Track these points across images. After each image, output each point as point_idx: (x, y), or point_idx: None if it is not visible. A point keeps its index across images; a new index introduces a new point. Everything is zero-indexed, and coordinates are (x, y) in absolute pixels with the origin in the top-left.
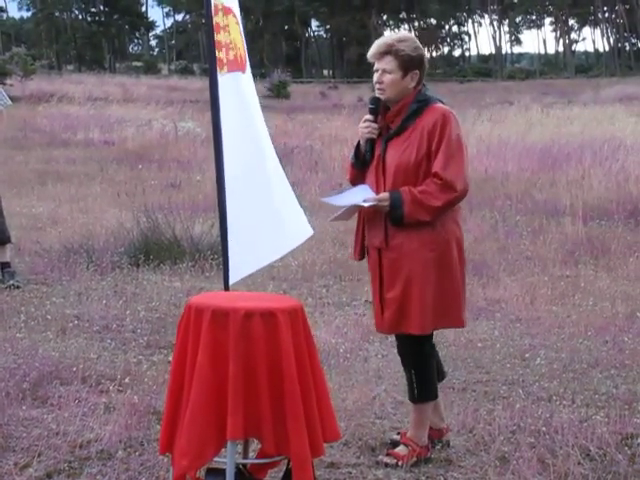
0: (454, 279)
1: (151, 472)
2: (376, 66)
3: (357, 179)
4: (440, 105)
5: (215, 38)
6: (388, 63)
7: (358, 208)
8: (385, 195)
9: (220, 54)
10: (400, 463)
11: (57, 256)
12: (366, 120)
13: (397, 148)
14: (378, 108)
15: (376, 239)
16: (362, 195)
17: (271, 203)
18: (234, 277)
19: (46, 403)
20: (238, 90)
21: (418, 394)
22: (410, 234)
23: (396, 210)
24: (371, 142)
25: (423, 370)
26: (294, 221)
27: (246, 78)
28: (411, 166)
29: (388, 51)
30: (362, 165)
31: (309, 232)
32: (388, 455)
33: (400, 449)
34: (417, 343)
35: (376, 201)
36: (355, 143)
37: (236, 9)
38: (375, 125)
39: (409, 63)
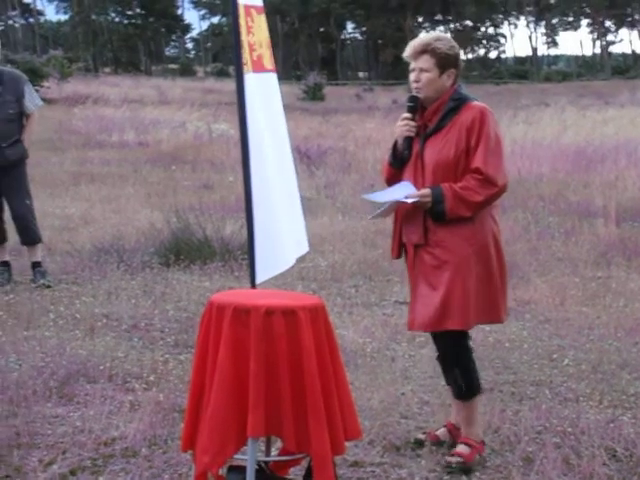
0: (492, 274)
1: (174, 469)
2: (412, 65)
3: (394, 178)
4: (477, 103)
5: (242, 38)
6: (425, 62)
7: (400, 205)
8: (427, 191)
9: (246, 55)
10: (468, 463)
11: (88, 256)
12: (404, 118)
13: (435, 145)
14: (417, 106)
15: (414, 235)
16: (404, 192)
17: (292, 207)
18: (261, 276)
19: (72, 401)
20: (262, 91)
21: (466, 390)
22: (451, 229)
23: (438, 205)
24: (409, 140)
25: (467, 366)
26: (301, 231)
27: (270, 79)
28: (450, 162)
29: (425, 50)
30: (400, 164)
31: (306, 248)
32: (453, 455)
33: (462, 448)
34: (459, 339)
35: (418, 197)
36: (392, 143)
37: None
38: (413, 123)
39: (446, 61)
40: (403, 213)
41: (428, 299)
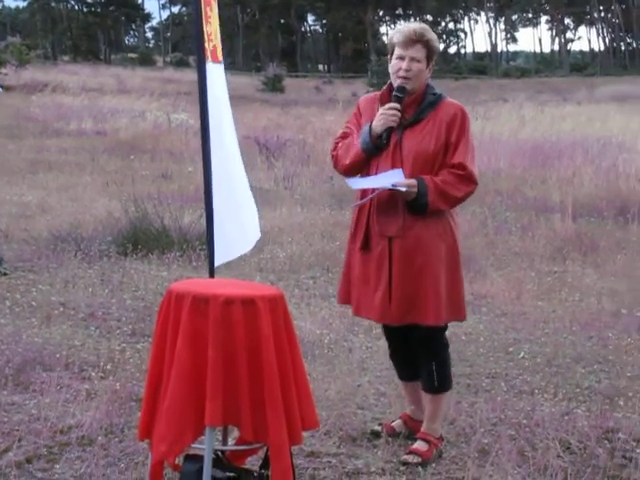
0: (459, 270)
1: (130, 458)
2: (402, 53)
3: (360, 164)
4: (452, 100)
5: (204, 28)
6: (418, 52)
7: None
8: (414, 181)
9: (206, 44)
10: (425, 460)
11: (45, 244)
12: (392, 108)
13: (415, 137)
14: (405, 97)
15: (392, 227)
16: (393, 179)
17: (245, 193)
18: (218, 260)
19: (28, 389)
20: (219, 81)
21: (438, 384)
22: (427, 224)
23: (422, 197)
24: (389, 130)
25: (443, 360)
26: (253, 219)
27: (219, 69)
28: (429, 155)
29: (419, 40)
30: (375, 151)
31: (258, 235)
32: (410, 453)
33: (420, 445)
34: (439, 333)
35: (407, 187)
36: (367, 129)
37: None
38: (399, 114)
39: (433, 54)
40: (376, 204)
41: (397, 293)
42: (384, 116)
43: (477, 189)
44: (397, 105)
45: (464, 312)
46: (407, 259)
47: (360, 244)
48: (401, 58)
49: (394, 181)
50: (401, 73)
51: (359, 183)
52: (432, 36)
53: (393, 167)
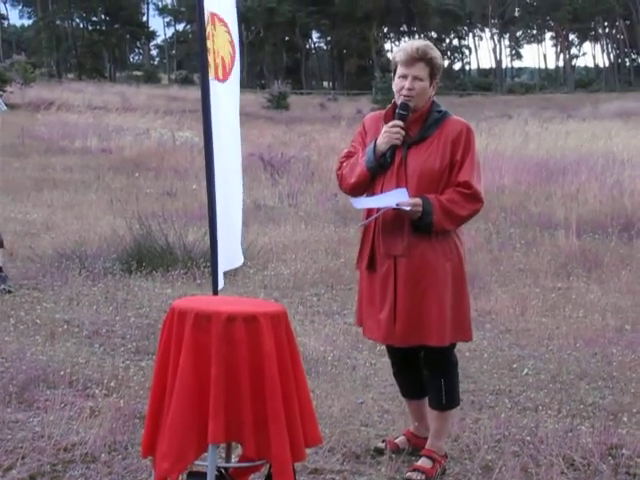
0: (465, 290)
1: (134, 475)
2: (404, 72)
3: (365, 184)
4: (458, 118)
5: (208, 46)
6: (421, 70)
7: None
8: (419, 200)
9: (210, 62)
10: (430, 478)
11: (50, 262)
12: (396, 126)
13: (420, 155)
14: (409, 115)
15: (396, 247)
16: (397, 199)
17: (239, 211)
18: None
19: (32, 406)
20: (224, 99)
21: (446, 402)
22: (432, 243)
23: (427, 217)
24: (393, 148)
25: (452, 378)
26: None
27: (225, 87)
28: (435, 174)
29: (422, 58)
30: (379, 170)
31: (241, 260)
32: (414, 470)
33: (424, 462)
34: (448, 352)
35: (411, 206)
36: (372, 147)
37: (226, 16)
38: (403, 132)
39: (437, 71)
40: (381, 223)
41: (401, 313)
42: (388, 134)
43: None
44: (400, 123)
45: (470, 333)
46: (412, 279)
47: (366, 264)
48: (404, 77)
49: (398, 200)
50: (404, 92)
51: (363, 203)
52: (435, 54)
53: (398, 186)
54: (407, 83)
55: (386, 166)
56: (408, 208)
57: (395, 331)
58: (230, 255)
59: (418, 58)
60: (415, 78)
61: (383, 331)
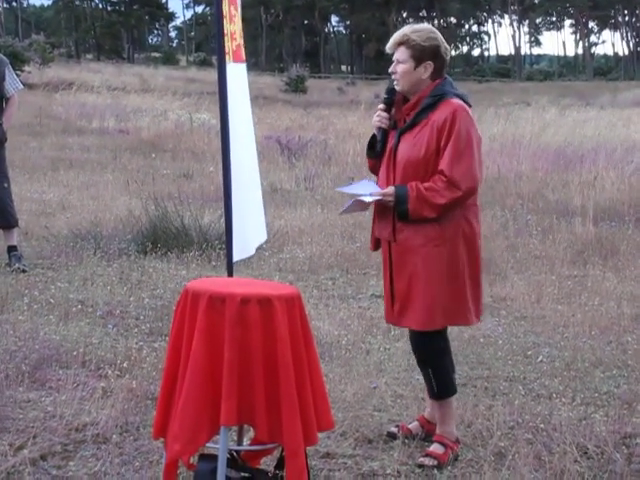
0: (460, 276)
1: (145, 457)
2: (393, 56)
3: (375, 168)
4: (455, 100)
5: (226, 27)
6: (402, 53)
7: (365, 201)
8: (390, 190)
9: (228, 44)
10: (441, 463)
11: (64, 241)
12: (378, 109)
13: (408, 142)
14: (392, 98)
15: (385, 232)
16: (368, 189)
17: (258, 195)
18: (235, 257)
19: (44, 386)
20: (240, 81)
21: (438, 391)
22: (416, 229)
23: (401, 206)
24: (383, 132)
25: (439, 367)
26: (262, 219)
27: (241, 69)
28: (420, 161)
29: (402, 42)
30: (375, 155)
31: (265, 236)
32: (426, 456)
33: (436, 447)
34: (429, 338)
35: (381, 196)
36: (372, 134)
37: None
38: (385, 115)
39: (421, 53)
40: (377, 209)
41: (396, 295)
42: (374, 118)
43: (498, 191)
44: (381, 106)
45: (469, 317)
46: (399, 263)
47: (372, 247)
48: (393, 62)
49: (370, 190)
50: (392, 77)
51: (342, 189)
52: (416, 36)
53: (387, 173)
54: (392, 66)
55: (379, 152)
56: (371, 199)
57: (393, 312)
58: (247, 237)
59: (398, 42)
60: (397, 61)
61: (386, 311)
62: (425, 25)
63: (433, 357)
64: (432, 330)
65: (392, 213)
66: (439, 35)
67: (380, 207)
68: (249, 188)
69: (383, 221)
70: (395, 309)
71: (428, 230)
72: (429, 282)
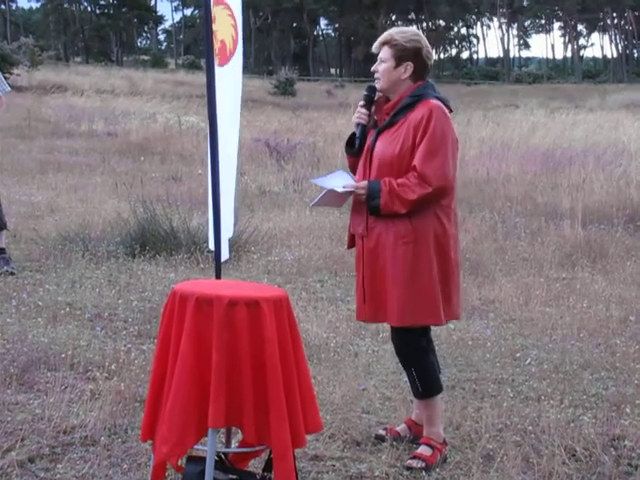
0: (428, 274)
1: (133, 459)
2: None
3: (353, 166)
4: (433, 100)
5: (214, 29)
6: (384, 53)
7: (337, 191)
8: (363, 184)
9: (215, 46)
10: (429, 465)
11: (53, 244)
12: (358, 106)
13: (385, 140)
14: (372, 96)
15: (359, 227)
16: (342, 181)
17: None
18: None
19: (32, 388)
20: (227, 83)
21: (422, 390)
22: (387, 225)
23: (372, 200)
24: (362, 129)
25: (422, 366)
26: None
27: (224, 72)
28: (394, 159)
29: (385, 42)
30: (354, 152)
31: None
32: (414, 458)
33: (423, 449)
34: (410, 338)
35: (353, 188)
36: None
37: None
38: (364, 111)
39: (402, 53)
40: (352, 204)
41: (369, 291)
42: (354, 115)
43: (487, 194)
44: (362, 103)
45: (438, 317)
46: (370, 258)
47: (348, 245)
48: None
49: (344, 183)
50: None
51: (317, 181)
52: (399, 37)
53: (364, 171)
54: (374, 65)
55: (358, 149)
56: (342, 190)
57: (365, 308)
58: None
59: (382, 42)
60: (380, 61)
61: (357, 309)
62: (411, 28)
63: (415, 356)
64: (412, 329)
65: (365, 208)
66: (423, 39)
67: (356, 203)
68: (226, 190)
69: (358, 217)
70: (367, 306)
71: (399, 227)
72: (397, 279)
